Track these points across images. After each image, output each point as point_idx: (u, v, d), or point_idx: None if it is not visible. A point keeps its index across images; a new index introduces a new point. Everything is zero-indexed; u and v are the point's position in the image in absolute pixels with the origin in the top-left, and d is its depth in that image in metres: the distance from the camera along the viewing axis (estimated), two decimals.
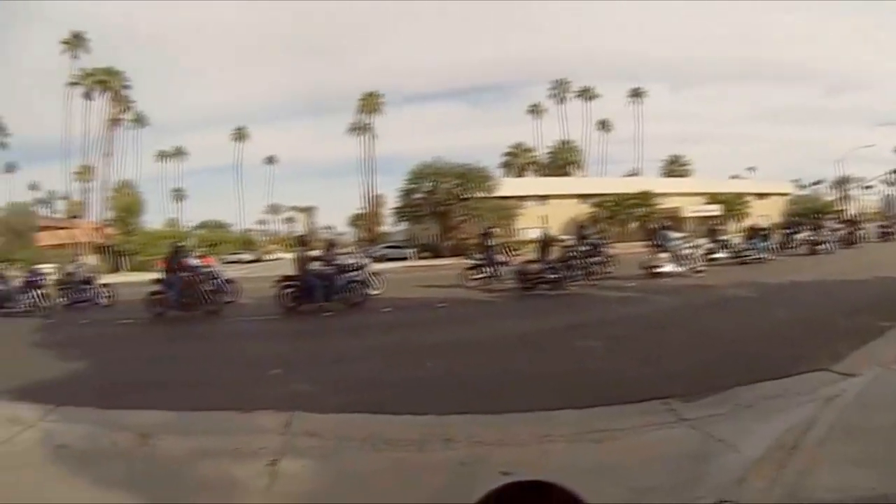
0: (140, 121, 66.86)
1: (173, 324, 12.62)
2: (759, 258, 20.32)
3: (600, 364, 6.87)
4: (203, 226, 76.82)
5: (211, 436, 4.54)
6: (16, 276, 17.19)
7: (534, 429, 4.35)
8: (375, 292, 14.31)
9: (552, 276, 14.77)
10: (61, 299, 16.51)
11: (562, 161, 71.09)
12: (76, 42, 54.33)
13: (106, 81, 53.91)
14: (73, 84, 54.04)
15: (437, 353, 7.93)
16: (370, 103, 65.80)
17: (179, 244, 14.85)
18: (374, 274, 15.09)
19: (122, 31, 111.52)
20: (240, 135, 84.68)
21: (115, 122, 56.43)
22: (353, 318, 11.62)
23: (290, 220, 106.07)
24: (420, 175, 44.95)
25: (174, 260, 13.53)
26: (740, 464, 3.26)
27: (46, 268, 18.76)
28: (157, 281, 13.72)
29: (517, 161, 72.58)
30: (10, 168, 74.77)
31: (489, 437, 4.18)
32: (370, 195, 70.99)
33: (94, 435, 5.09)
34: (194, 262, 14.44)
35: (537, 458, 3.86)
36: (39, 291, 15.47)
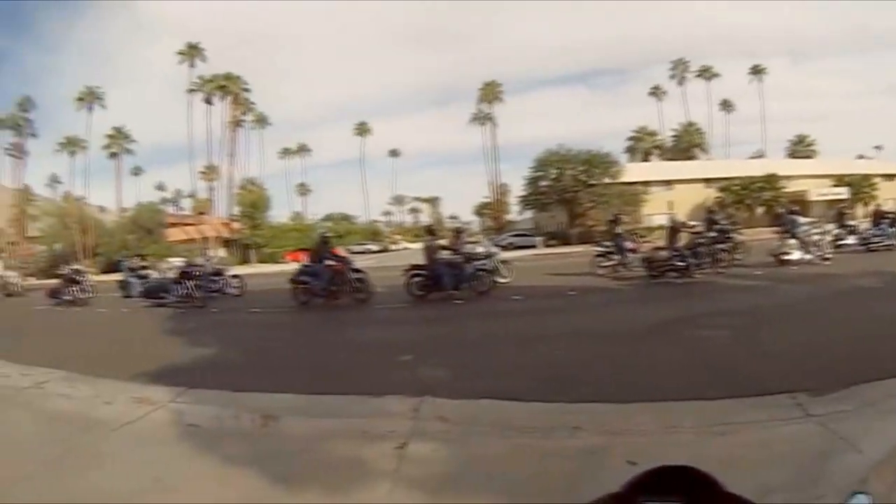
0: (261, 121, 72.25)
1: (315, 311, 13.28)
2: (889, 245, 18.79)
3: (728, 355, 6.72)
4: (328, 218, 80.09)
5: (340, 418, 4.77)
6: (167, 269, 18.70)
7: (660, 419, 4.35)
8: (504, 280, 14.49)
9: (680, 263, 14.32)
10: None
11: (686, 144, 69.15)
12: (192, 52, 58.95)
13: (225, 86, 58.02)
14: (192, 91, 58.93)
15: (566, 342, 7.99)
16: (490, 92, 66.52)
17: (326, 234, 15.43)
18: (502, 262, 15.27)
19: (242, 33, 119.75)
20: (362, 129, 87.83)
21: (236, 123, 60.85)
22: (481, 306, 11.83)
23: (414, 210, 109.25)
24: (545, 163, 45.62)
25: (321, 250, 14.10)
26: (863, 464, 3.14)
27: (177, 261, 20.49)
28: (303, 271, 14.35)
29: (641, 145, 71.16)
30: (137, 171, 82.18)
31: (616, 426, 4.21)
32: (495, 184, 71.70)
33: (224, 416, 5.59)
34: (342, 252, 15.12)
35: (663, 449, 3.85)
36: (192, 283, 16.38)
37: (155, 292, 17.10)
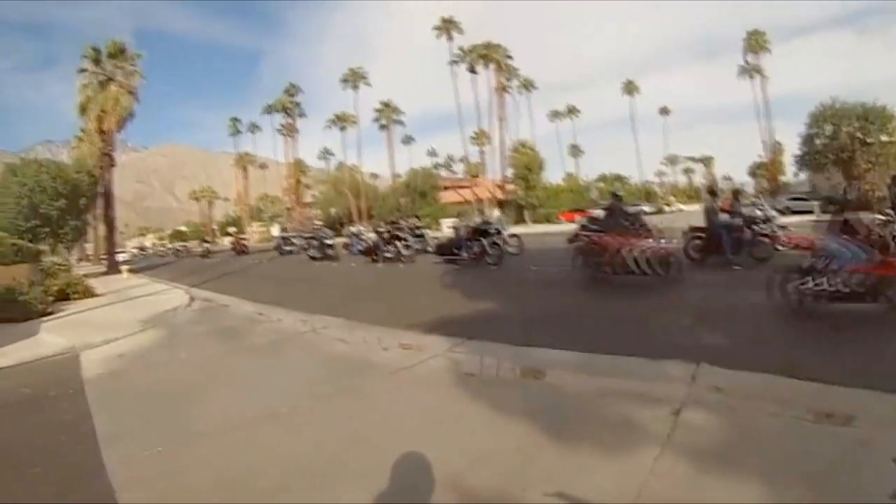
0: (527, 85, 75.51)
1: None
2: None
3: None
4: (601, 179, 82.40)
5: (616, 378, 4.97)
6: (459, 228, 19.60)
7: None
8: (782, 248, 13.12)
9: None
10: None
11: None
12: (448, 25, 63.78)
13: (486, 55, 62.10)
14: (454, 62, 63.72)
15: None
16: (756, 42, 66.72)
17: (618, 192, 15.08)
18: (781, 227, 14.19)
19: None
20: (629, 88, 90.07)
21: (502, 89, 64.51)
22: (759, 274, 10.79)
23: (687, 170, 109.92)
24: (820, 118, 40.34)
25: (613, 208, 13.54)
26: None
27: (452, 221, 22.04)
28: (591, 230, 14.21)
29: None
30: (408, 140, 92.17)
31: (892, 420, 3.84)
32: (768, 142, 69.19)
33: (501, 367, 6.04)
34: (633, 210, 14.80)
35: None
36: (487, 240, 17.18)
37: (447, 249, 18.55)
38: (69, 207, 29.20)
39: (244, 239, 46.63)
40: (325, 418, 4.74)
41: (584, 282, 12.12)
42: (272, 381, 6.21)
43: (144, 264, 41.77)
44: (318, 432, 4.40)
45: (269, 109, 77.52)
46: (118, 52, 34.04)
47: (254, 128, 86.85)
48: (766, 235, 12.77)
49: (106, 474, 3.90)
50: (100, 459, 4.17)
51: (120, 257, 32.81)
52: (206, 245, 47.10)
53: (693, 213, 31.37)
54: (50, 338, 9.59)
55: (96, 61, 33.59)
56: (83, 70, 33.61)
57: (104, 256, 38.63)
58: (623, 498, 2.94)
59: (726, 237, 12.37)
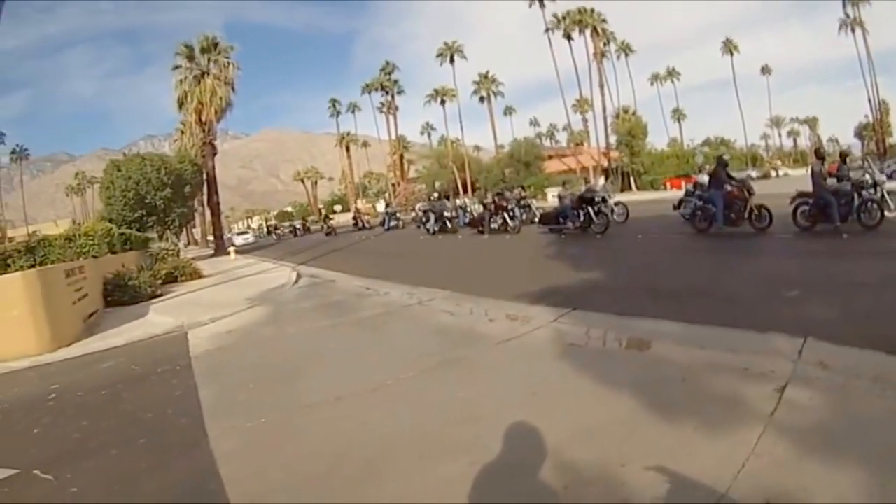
0: (625, 49, 76.04)
1: (703, 238, 13.62)
2: None
3: None
4: (706, 143, 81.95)
5: (721, 351, 4.91)
6: (565, 198, 19.82)
7: None
8: (892, 214, 12.73)
9: None
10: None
11: None
12: None
13: (581, 20, 62.07)
14: (549, 30, 63.35)
15: None
16: None
17: (724, 157, 15.32)
18: (889, 193, 13.25)
19: None
20: (728, 47, 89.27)
21: (601, 55, 64.28)
22: (871, 242, 10.88)
23: (792, 133, 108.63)
24: None
25: (719, 174, 14.20)
26: None
27: (557, 190, 21.92)
28: (698, 196, 14.77)
29: None
30: (509, 111, 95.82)
31: None
32: (874, 101, 66.64)
33: (606, 338, 6.00)
34: (738, 175, 15.18)
35: None
36: (592, 209, 17.48)
37: (552, 219, 18.95)
38: (174, 196, 30.91)
39: (366, 214, 48.09)
40: (429, 390, 4.78)
41: (688, 248, 12.28)
42: (377, 354, 6.32)
43: (255, 245, 43.92)
44: (421, 404, 4.45)
45: (368, 88, 80.00)
46: (211, 47, 36.23)
47: (354, 107, 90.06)
48: (874, 201, 12.26)
49: (208, 445, 4.07)
50: (203, 431, 4.37)
51: (238, 240, 34.19)
52: (330, 222, 46.33)
53: (800, 178, 30.01)
54: (159, 318, 10.21)
55: (190, 57, 35.92)
56: (177, 67, 35.92)
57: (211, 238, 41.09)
58: (723, 477, 2.87)
59: (834, 203, 12.17)
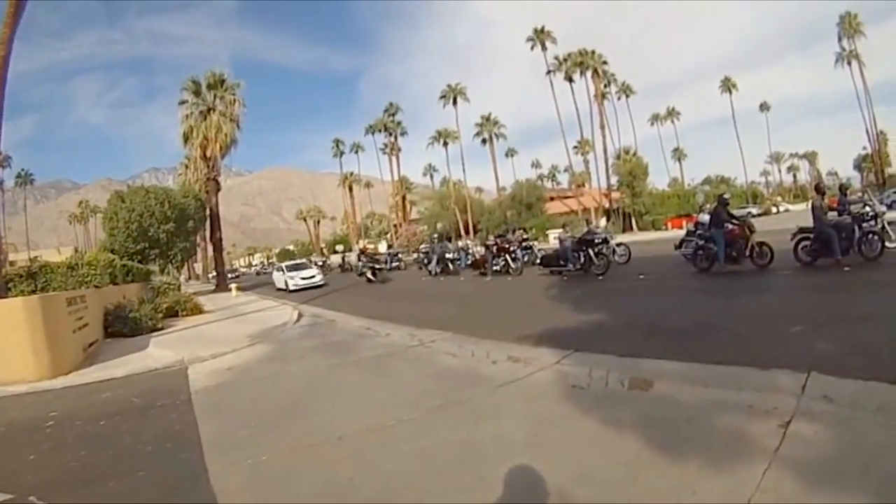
0: (625, 90, 76.77)
1: (706, 278, 13.65)
2: None
3: None
4: (706, 182, 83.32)
5: (725, 389, 4.94)
6: (565, 240, 19.62)
7: None
8: (893, 245, 12.94)
9: None
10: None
11: None
12: (541, 36, 65.21)
13: (582, 62, 63.13)
14: (550, 72, 64.81)
15: None
16: (849, 25, 67.33)
17: (725, 197, 15.46)
18: (890, 224, 13.48)
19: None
20: (727, 85, 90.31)
21: (601, 96, 65.31)
22: (872, 273, 11.09)
23: (791, 168, 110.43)
24: None
25: (720, 212, 14.31)
26: None
27: (558, 232, 22.03)
28: (699, 235, 14.94)
29: None
30: (510, 153, 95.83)
31: None
32: (871, 132, 68.43)
33: (608, 379, 5.97)
34: (739, 214, 15.49)
35: None
36: (592, 250, 17.52)
37: (553, 261, 18.97)
38: (177, 230, 31.20)
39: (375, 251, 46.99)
40: (430, 431, 4.76)
41: (690, 288, 12.41)
42: (379, 394, 6.32)
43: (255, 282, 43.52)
44: (423, 445, 4.43)
45: (371, 129, 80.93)
46: (217, 83, 36.75)
47: (357, 148, 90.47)
48: (875, 233, 12.42)
49: (208, 481, 4.07)
50: (203, 466, 4.36)
51: (295, 279, 28.07)
52: (347, 259, 45.27)
53: (800, 213, 30.67)
54: (159, 352, 10.22)
55: (196, 93, 36.45)
56: (184, 102, 36.45)
57: (213, 274, 40.92)
58: None
59: (834, 237, 12.27)
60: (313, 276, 29.67)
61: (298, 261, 38.52)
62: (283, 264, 35.75)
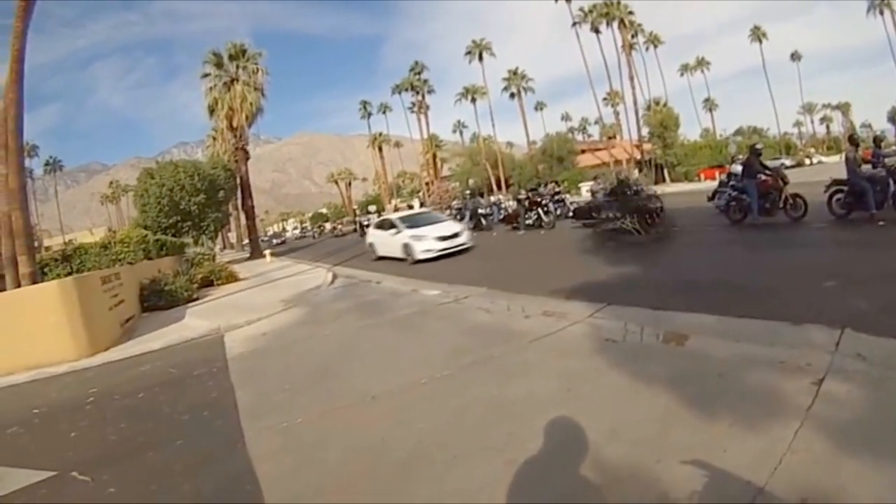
0: (654, 41, 74.43)
1: (735, 230, 13.43)
2: None
3: None
4: (738, 133, 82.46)
5: (758, 344, 4.84)
6: (597, 192, 19.53)
7: None
8: None
9: None
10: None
11: None
12: None
13: (608, 13, 61.97)
14: (576, 24, 63.42)
15: None
16: None
17: (758, 147, 15.08)
18: None
19: None
20: (757, 34, 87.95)
21: (629, 47, 63.37)
22: None
23: (825, 119, 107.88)
24: None
25: (753, 163, 14.08)
26: None
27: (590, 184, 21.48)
28: (732, 186, 14.68)
29: None
30: (540, 107, 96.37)
31: None
32: None
33: (641, 332, 5.89)
34: (772, 164, 15.01)
35: None
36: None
37: (585, 214, 18.38)
38: (208, 201, 31.42)
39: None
40: (463, 389, 4.77)
41: (723, 240, 12.18)
42: (411, 353, 6.35)
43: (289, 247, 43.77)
44: (455, 403, 4.45)
45: (398, 89, 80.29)
46: (239, 54, 36.61)
47: (385, 108, 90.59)
48: None
49: (245, 446, 4.14)
50: (240, 432, 4.45)
51: (423, 244, 21.87)
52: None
53: (834, 165, 29.63)
54: (195, 322, 10.39)
55: (219, 65, 36.36)
56: (206, 75, 36.45)
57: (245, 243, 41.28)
58: (759, 473, 2.85)
59: (869, 190, 11.93)
60: (456, 235, 17.38)
61: (418, 210, 28.56)
62: (396, 216, 20.87)
